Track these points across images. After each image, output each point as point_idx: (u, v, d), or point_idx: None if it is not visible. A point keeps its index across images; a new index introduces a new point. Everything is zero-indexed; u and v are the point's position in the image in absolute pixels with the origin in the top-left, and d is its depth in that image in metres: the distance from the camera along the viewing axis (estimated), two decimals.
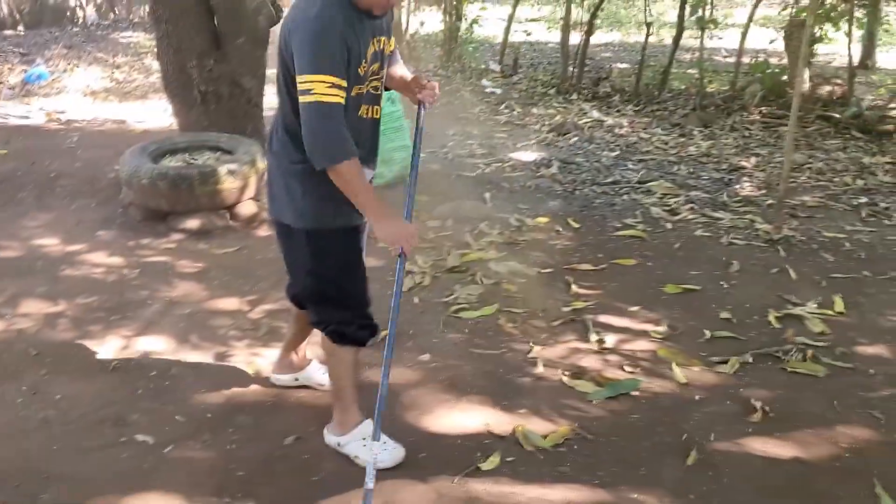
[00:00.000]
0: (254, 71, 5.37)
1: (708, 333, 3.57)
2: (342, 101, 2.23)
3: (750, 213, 5.21)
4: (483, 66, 11.07)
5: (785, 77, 8.44)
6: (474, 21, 11.44)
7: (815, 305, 3.86)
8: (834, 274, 4.26)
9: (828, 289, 4.06)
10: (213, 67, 5.20)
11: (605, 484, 2.56)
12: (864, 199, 5.59)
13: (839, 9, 8.06)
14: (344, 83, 2.23)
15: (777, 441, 2.80)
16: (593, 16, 9.52)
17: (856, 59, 11.56)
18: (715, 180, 6.02)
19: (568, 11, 9.99)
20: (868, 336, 3.59)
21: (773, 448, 2.76)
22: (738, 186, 5.87)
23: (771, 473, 2.63)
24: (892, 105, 7.96)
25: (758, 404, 2.98)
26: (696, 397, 3.08)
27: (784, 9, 8.18)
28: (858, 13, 8.56)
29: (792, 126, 4.89)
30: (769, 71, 8.55)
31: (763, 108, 8.08)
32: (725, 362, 3.32)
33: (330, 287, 2.56)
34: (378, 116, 2.51)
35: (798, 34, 8.07)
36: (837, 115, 7.68)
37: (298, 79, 2.22)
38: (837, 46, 8.80)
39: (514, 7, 11.33)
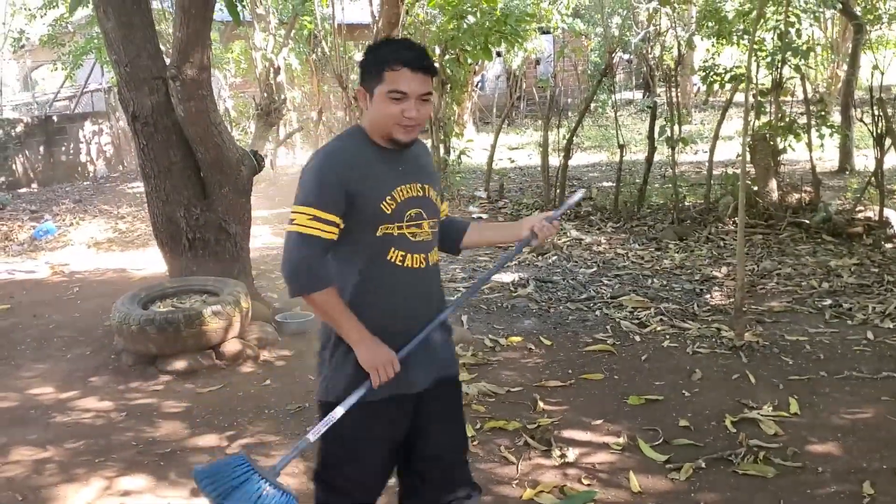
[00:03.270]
0: (239, 217, 5.73)
1: (661, 439, 3.71)
2: (325, 234, 2.16)
3: (717, 322, 5.41)
4: (471, 194, 11.53)
5: (756, 188, 8.79)
6: (462, 152, 12.00)
7: (771, 408, 4.01)
8: (792, 376, 4.42)
9: (785, 391, 4.21)
10: (200, 216, 5.57)
11: None
12: (828, 301, 5.79)
13: (797, 122, 8.51)
14: (331, 217, 2.16)
15: None
16: (569, 140, 10.01)
17: (836, 164, 12.13)
18: (686, 291, 6.25)
19: (545, 137, 10.51)
20: (819, 435, 3.72)
21: None
22: (708, 296, 6.09)
23: None
24: (859, 208, 8.25)
25: None
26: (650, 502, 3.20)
27: (749, 124, 8.58)
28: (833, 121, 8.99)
29: (740, 237, 5.18)
30: (739, 184, 8.90)
31: (736, 218, 8.38)
32: (679, 469, 3.45)
33: (331, 472, 2.39)
34: (425, 266, 2.30)
35: (762, 147, 8.50)
36: (807, 221, 7.98)
37: (292, 209, 2.22)
38: (815, 152, 9.20)
39: (497, 136, 11.91)
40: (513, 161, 13.47)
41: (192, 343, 4.95)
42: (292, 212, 2.19)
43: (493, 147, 11.77)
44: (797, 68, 8.60)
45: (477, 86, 19.48)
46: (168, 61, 5.38)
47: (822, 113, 8.91)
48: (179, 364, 4.94)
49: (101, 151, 15.83)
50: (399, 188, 2.24)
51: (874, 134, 8.01)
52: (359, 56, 14.29)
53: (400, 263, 2.25)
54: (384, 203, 2.21)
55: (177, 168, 5.53)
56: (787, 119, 8.53)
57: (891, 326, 5.20)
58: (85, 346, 5.58)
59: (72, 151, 15.17)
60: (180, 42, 5.19)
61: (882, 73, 8.22)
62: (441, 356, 2.42)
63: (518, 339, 5.28)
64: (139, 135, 5.45)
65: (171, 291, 5.45)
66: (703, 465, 3.47)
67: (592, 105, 15.69)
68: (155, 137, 5.42)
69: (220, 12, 7.64)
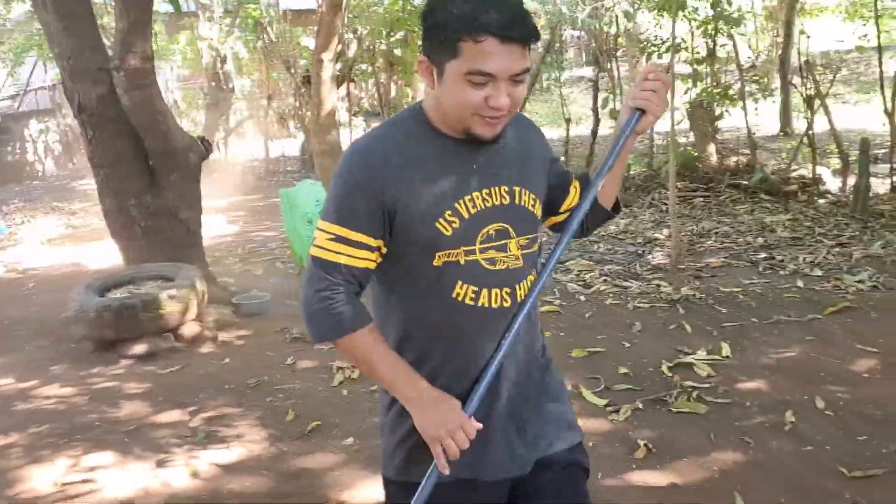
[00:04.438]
0: (189, 203, 5.83)
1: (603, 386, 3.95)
2: (352, 261, 1.55)
3: (658, 280, 5.66)
4: None
5: (695, 153, 9.10)
6: None
7: (705, 353, 4.26)
8: (725, 324, 4.69)
9: (718, 337, 4.48)
10: (151, 204, 5.66)
11: None
12: (763, 255, 6.09)
13: (732, 88, 8.82)
14: (362, 238, 1.54)
15: (657, 472, 3.14)
16: None
17: (776, 128, 12.52)
18: (630, 253, 6.51)
19: None
20: (748, 374, 3.99)
21: (652, 478, 3.10)
22: (650, 257, 6.35)
23: (646, 496, 2.97)
24: (794, 168, 8.60)
25: (642, 443, 3.34)
26: (591, 443, 3.42)
27: (685, 92, 8.89)
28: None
29: (672, 198, 5.43)
30: (680, 149, 9.21)
31: (678, 183, 8.67)
32: (618, 410, 3.68)
33: None
34: (510, 304, 1.60)
35: (699, 113, 8.81)
36: (745, 182, 8.30)
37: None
38: (757, 118, 9.52)
39: None
40: None
41: (150, 327, 5.06)
42: (317, 228, 1.60)
43: None
44: (730, 36, 8.90)
45: None
46: (111, 53, 5.45)
47: (756, 78, 9.24)
48: (139, 348, 5.05)
49: (48, 150, 15.68)
50: (468, 197, 1.56)
51: (804, 97, 8.33)
52: (306, 41, 14.33)
53: (472, 303, 1.57)
54: (442, 221, 1.54)
55: (125, 157, 5.61)
56: (723, 86, 8.82)
57: (819, 274, 5.50)
58: (43, 338, 5.64)
59: (18, 151, 15.01)
60: (122, 32, 5.27)
61: (808, 38, 8.52)
62: (544, 422, 1.71)
63: None
64: (86, 126, 5.52)
65: (127, 279, 5.54)
66: (641, 406, 3.71)
67: (544, 82, 15.92)
68: (102, 128, 5.49)
69: (163, 3, 7.69)
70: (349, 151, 1.58)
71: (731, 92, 8.86)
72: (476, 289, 1.57)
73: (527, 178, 1.65)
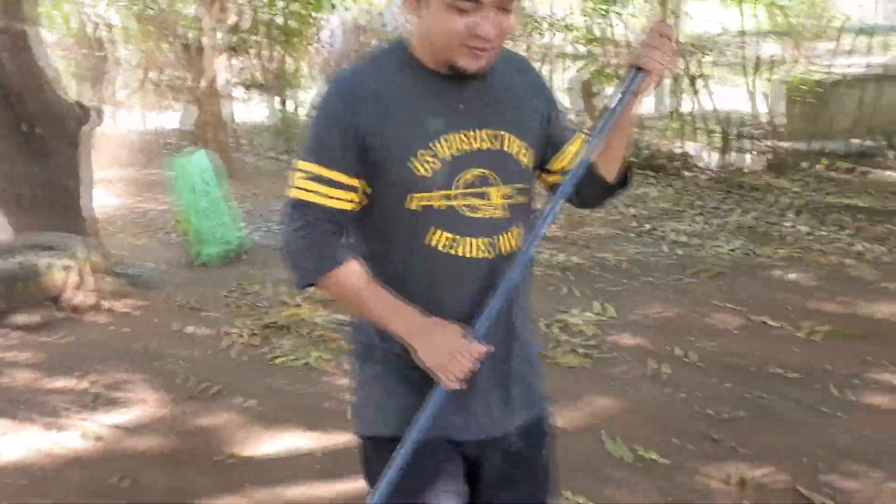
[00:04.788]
0: (72, 171, 5.68)
1: None
2: (331, 202, 1.45)
3: (551, 250, 5.93)
4: None
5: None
6: (303, 106, 12.09)
7: (590, 314, 4.53)
8: (609, 287, 4.99)
9: (602, 300, 4.76)
10: (33, 172, 5.48)
11: None
12: (645, 226, 6.46)
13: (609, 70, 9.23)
14: (341, 178, 1.44)
15: None
16: None
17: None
18: None
19: None
20: (629, 331, 4.29)
21: None
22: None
23: None
24: (675, 145, 9.09)
25: None
26: None
27: (579, 70, 9.23)
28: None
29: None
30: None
31: None
32: None
33: None
34: (492, 256, 1.48)
35: (584, 90, 9.17)
36: (633, 159, 8.70)
37: None
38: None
39: None
40: None
41: (38, 297, 4.93)
42: (295, 168, 1.50)
43: None
44: (614, 15, 9.27)
45: (319, 39, 19.36)
46: None
47: None
48: (28, 318, 4.90)
49: None
50: (448, 137, 1.45)
51: (684, 77, 8.81)
52: (195, 11, 13.94)
53: (445, 250, 1.46)
54: (416, 160, 1.43)
55: (4, 125, 5.41)
56: (609, 66, 9.21)
57: (695, 242, 5.91)
58: None
59: None
60: None
61: (690, 19, 8.98)
62: (529, 381, 1.62)
63: None
64: None
65: (13, 248, 5.36)
66: None
67: None
68: None
69: None
70: (331, 86, 1.48)
71: (608, 71, 9.26)
72: (451, 236, 1.46)
73: (517, 122, 1.51)
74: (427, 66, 1.46)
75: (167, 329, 4.67)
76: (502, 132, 1.49)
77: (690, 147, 8.68)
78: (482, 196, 1.47)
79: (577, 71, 9.00)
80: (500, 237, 1.48)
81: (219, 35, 8.99)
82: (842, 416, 3.33)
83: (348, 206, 1.48)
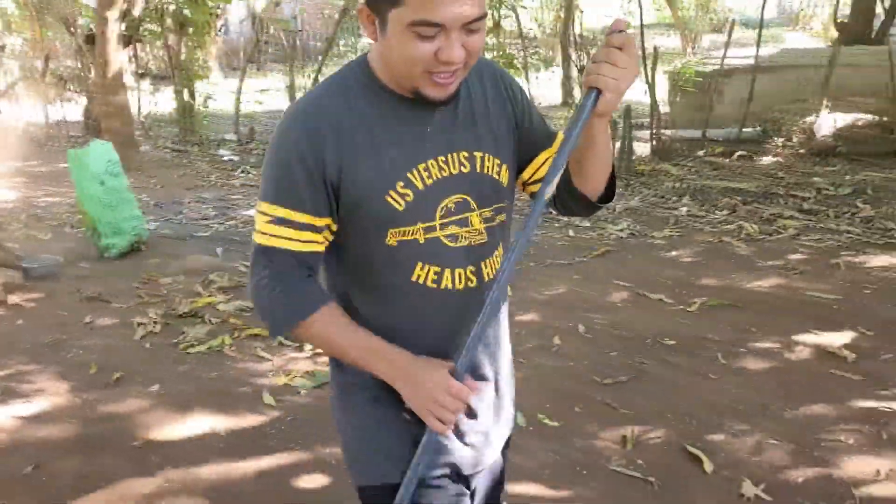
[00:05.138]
0: None
1: None
2: (298, 245, 1.35)
3: None
4: (220, 138, 11.55)
5: None
6: (207, 97, 11.92)
7: None
8: None
9: None
10: None
11: (304, 445, 3.17)
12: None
13: (517, 59, 9.51)
14: (306, 219, 1.33)
15: None
16: (315, 80, 10.37)
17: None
18: None
19: (292, 79, 10.78)
20: (524, 308, 4.53)
21: None
22: None
23: None
24: None
25: None
26: None
27: None
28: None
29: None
30: None
31: None
32: None
33: None
34: (475, 284, 1.42)
35: None
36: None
37: None
38: (540, 88, 10.29)
39: (242, 79, 11.95)
40: (261, 103, 13.55)
41: None
42: (256, 211, 1.40)
43: (240, 90, 11.81)
44: (513, 8, 9.56)
45: (220, 29, 19.06)
46: None
47: (538, 50, 9.98)
48: None
49: None
50: (423, 165, 1.35)
51: (579, 69, 9.17)
52: None
53: (434, 286, 1.39)
54: (393, 194, 1.33)
55: None
56: (507, 56, 9.49)
57: (587, 225, 6.22)
58: None
59: None
60: None
61: (581, 13, 9.36)
62: (511, 398, 1.64)
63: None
64: None
65: None
66: None
67: (342, 47, 16.09)
68: None
69: None
70: (284, 118, 1.35)
71: (515, 62, 9.55)
72: (438, 269, 1.38)
73: (490, 139, 1.41)
74: (391, 89, 1.33)
75: (76, 321, 4.65)
76: (476, 153, 1.39)
77: None
78: (464, 223, 1.39)
79: None
80: (484, 263, 1.43)
81: (115, 23, 8.79)
82: (722, 378, 3.66)
83: (319, 248, 1.38)
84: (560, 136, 1.49)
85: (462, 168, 1.38)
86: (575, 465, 2.98)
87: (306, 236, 1.35)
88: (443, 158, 1.36)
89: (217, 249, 6.02)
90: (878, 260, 5.16)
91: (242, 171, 9.17)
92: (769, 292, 4.74)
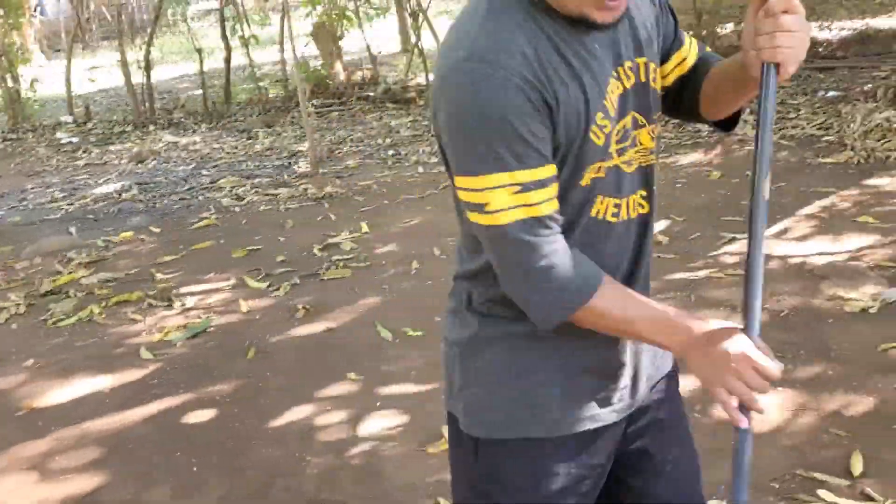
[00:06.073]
0: None
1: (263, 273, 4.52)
2: (546, 207, 1.12)
3: (304, 184, 6.30)
4: (56, 121, 11.07)
5: (325, 72, 9.84)
6: (34, 81, 11.35)
7: (348, 233, 5.00)
8: (363, 209, 5.49)
9: (358, 220, 5.24)
10: None
11: (186, 388, 3.35)
12: (391, 152, 7.01)
13: (349, 10, 9.63)
14: (544, 172, 1.11)
15: (314, 324, 3.82)
16: (146, 54, 10.11)
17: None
18: (277, 167, 7.07)
19: (123, 54, 10.43)
20: (384, 242, 4.81)
21: (310, 329, 3.78)
22: (295, 167, 6.96)
23: (306, 342, 3.64)
24: (410, 77, 9.71)
25: (300, 306, 3.98)
26: (258, 317, 3.99)
27: (307, 15, 9.49)
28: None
29: (304, 112, 6.09)
30: (312, 70, 9.89)
31: (314, 100, 9.35)
32: (279, 288, 4.28)
33: None
34: (646, 210, 1.28)
35: (323, 34, 9.49)
36: (372, 94, 9.23)
37: (457, 182, 1.16)
38: (379, 37, 10.42)
39: (69, 59, 11.45)
40: (93, 81, 13.03)
41: None
42: (471, 189, 1.12)
43: (69, 70, 11.31)
44: None
45: (36, 10, 17.98)
46: None
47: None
48: None
49: None
50: (608, 87, 1.17)
51: (409, 13, 9.39)
52: None
53: (613, 219, 1.23)
54: (595, 127, 1.16)
55: None
56: (340, 8, 9.58)
57: (436, 161, 6.53)
58: None
59: None
60: None
61: None
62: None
63: (129, 234, 5.66)
64: None
65: None
66: (298, 280, 4.35)
67: (171, 17, 15.56)
68: None
69: None
70: (462, 73, 1.08)
71: (348, 13, 9.66)
72: (618, 200, 1.22)
73: (647, 40, 1.23)
74: (554, 9, 1.12)
75: None
76: (638, 59, 1.22)
77: (427, 78, 9.32)
78: (635, 143, 1.23)
79: (318, 17, 9.29)
80: (652, 184, 1.27)
81: None
82: None
83: (557, 206, 1.15)
84: (690, 39, 1.35)
85: (629, 81, 1.20)
86: (439, 364, 3.30)
87: (550, 192, 1.13)
88: (615, 74, 1.18)
89: (70, 229, 5.94)
90: (688, 158, 5.75)
91: (84, 151, 8.90)
92: None
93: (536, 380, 1.26)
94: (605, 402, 1.27)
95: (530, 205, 1.10)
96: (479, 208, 1.11)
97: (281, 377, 3.38)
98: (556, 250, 1.13)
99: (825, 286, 3.50)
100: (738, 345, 1.11)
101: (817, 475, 2.35)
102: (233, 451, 2.90)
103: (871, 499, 2.25)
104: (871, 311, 3.25)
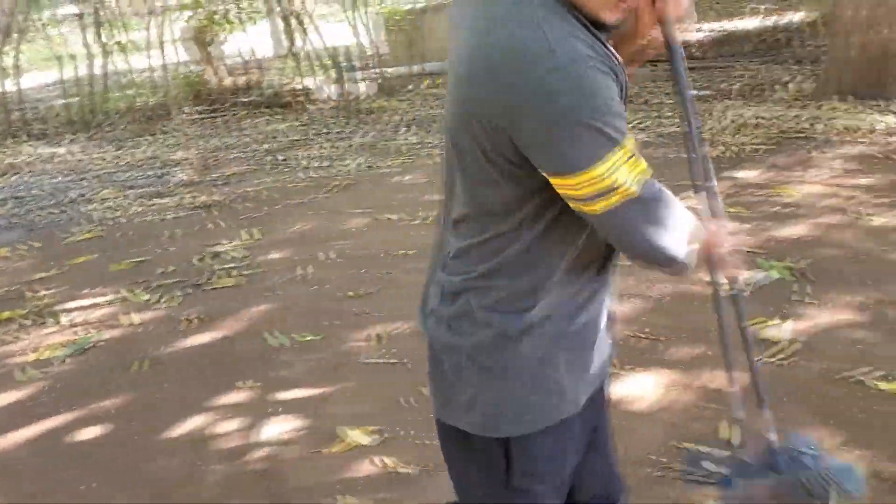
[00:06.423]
0: None
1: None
2: (650, 169, 1.21)
3: (188, 193, 6.18)
4: None
5: (202, 78, 9.66)
6: None
7: (238, 241, 4.95)
8: (252, 215, 5.44)
9: (247, 227, 5.20)
10: None
11: (74, 406, 3.27)
12: (276, 157, 6.97)
13: (227, 14, 9.48)
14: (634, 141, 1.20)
15: (205, 334, 3.77)
16: (16, 60, 9.63)
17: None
18: (158, 176, 6.89)
19: None
20: (274, 248, 4.80)
21: (201, 339, 3.73)
22: (177, 175, 6.81)
23: (198, 352, 3.60)
24: (291, 81, 9.66)
25: (190, 316, 3.93)
26: (146, 329, 3.92)
27: (189, 20, 9.29)
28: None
29: (183, 119, 5.94)
30: (188, 76, 9.68)
31: (192, 107, 9.17)
32: (167, 299, 4.20)
33: None
34: None
35: (199, 40, 9.32)
36: (252, 99, 9.13)
37: (575, 180, 1.15)
38: (257, 40, 10.26)
39: None
40: None
41: None
42: (595, 179, 1.14)
43: None
44: None
45: None
46: None
47: (245, 4, 10.02)
48: None
49: None
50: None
51: (287, 18, 9.33)
52: None
53: None
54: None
55: None
56: (215, 13, 9.44)
57: (323, 164, 6.55)
58: None
59: None
60: None
61: None
62: None
63: (4, 250, 5.41)
64: None
65: None
66: (189, 290, 4.28)
67: (35, 22, 14.81)
68: None
69: None
70: (561, 73, 1.10)
71: (221, 17, 9.53)
72: None
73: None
74: (577, 8, 1.18)
75: None
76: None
77: (311, 82, 9.28)
78: None
79: (186, 21, 9.09)
80: None
81: None
82: None
83: None
84: None
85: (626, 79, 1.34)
86: (334, 367, 3.35)
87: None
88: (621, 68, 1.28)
89: None
90: None
91: None
92: None
93: (559, 363, 1.31)
94: (603, 368, 1.41)
95: (644, 169, 1.17)
96: (609, 192, 1.15)
97: (174, 388, 3.34)
98: (672, 211, 1.22)
99: (699, 273, 3.74)
100: (724, 231, 1.37)
101: (689, 446, 2.53)
102: (128, 465, 2.85)
103: None
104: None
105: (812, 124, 5.70)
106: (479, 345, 1.30)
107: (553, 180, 1.16)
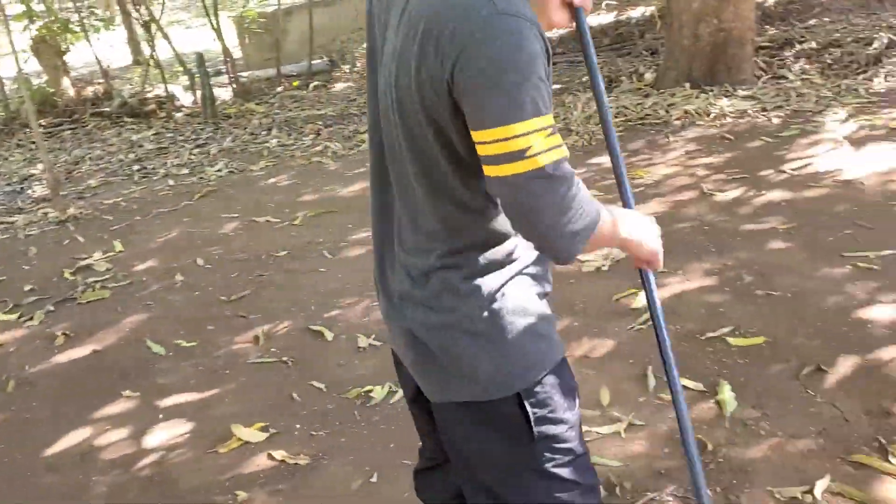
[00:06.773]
0: None
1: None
2: (566, 149, 1.23)
3: (43, 209, 5.92)
4: None
5: (52, 89, 9.20)
6: None
7: (101, 254, 4.81)
8: (114, 227, 5.29)
9: (110, 240, 5.05)
10: None
11: None
12: (136, 167, 6.77)
13: (72, 23, 9.07)
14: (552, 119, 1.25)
15: (76, 350, 3.67)
16: None
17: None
18: (8, 193, 6.56)
19: None
20: (141, 258, 4.69)
21: (74, 353, 3.64)
22: (30, 191, 6.51)
23: (71, 367, 3.51)
24: (147, 89, 9.36)
25: (59, 332, 3.81)
26: (12, 349, 3.77)
27: (24, 29, 8.80)
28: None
29: (36, 133, 5.72)
30: (36, 87, 9.20)
31: (42, 120, 8.72)
32: (32, 317, 4.05)
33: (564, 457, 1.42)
34: None
35: (45, 49, 8.88)
36: (107, 109, 8.78)
37: (493, 133, 1.17)
38: (109, 49, 9.87)
39: None
40: None
41: None
42: (512, 137, 1.16)
43: None
44: None
45: None
46: None
47: (95, 11, 9.62)
48: None
49: None
50: None
51: (142, 24, 9.04)
52: None
53: None
54: None
55: None
56: (62, 20, 9.01)
57: (186, 172, 6.44)
58: None
59: None
60: None
61: None
62: None
63: None
64: None
65: None
66: (52, 307, 4.14)
67: None
68: None
69: None
70: (505, 23, 1.15)
71: (71, 25, 9.11)
72: None
73: None
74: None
75: None
76: None
77: (171, 89, 9.03)
78: None
79: (24, 29, 8.63)
80: None
81: None
82: (331, 270, 4.21)
83: None
84: None
85: None
86: (216, 370, 3.35)
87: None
88: None
89: None
90: None
91: None
92: (360, 195, 5.40)
93: (540, 307, 1.38)
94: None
95: (559, 145, 1.19)
96: (519, 155, 1.16)
97: (49, 405, 3.25)
98: (581, 184, 1.23)
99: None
100: (652, 226, 1.45)
101: None
102: (8, 488, 2.76)
103: (619, 420, 2.65)
104: (603, 269, 3.74)
105: (656, 111, 6.10)
106: (467, 315, 1.32)
107: (474, 135, 1.19)
